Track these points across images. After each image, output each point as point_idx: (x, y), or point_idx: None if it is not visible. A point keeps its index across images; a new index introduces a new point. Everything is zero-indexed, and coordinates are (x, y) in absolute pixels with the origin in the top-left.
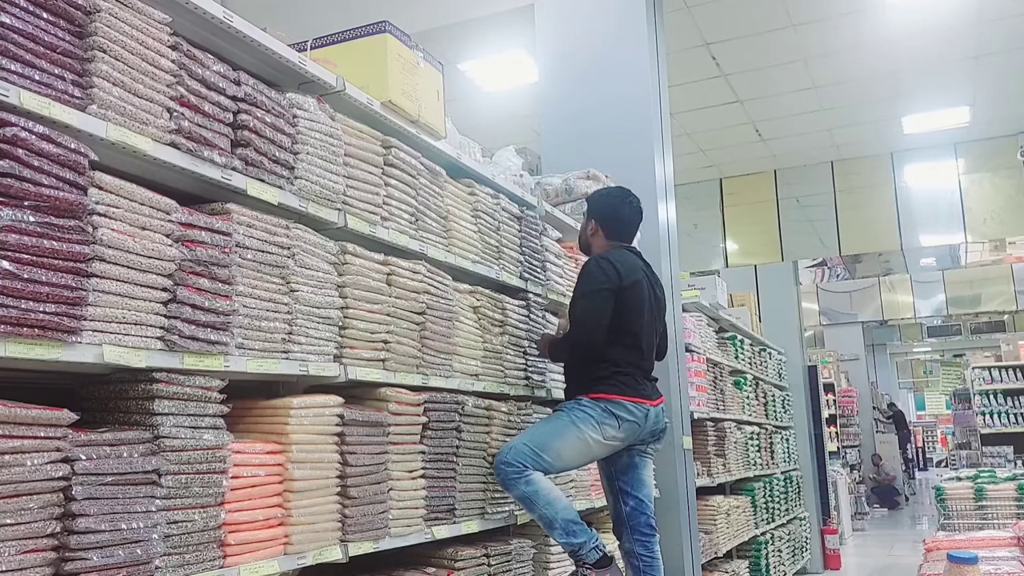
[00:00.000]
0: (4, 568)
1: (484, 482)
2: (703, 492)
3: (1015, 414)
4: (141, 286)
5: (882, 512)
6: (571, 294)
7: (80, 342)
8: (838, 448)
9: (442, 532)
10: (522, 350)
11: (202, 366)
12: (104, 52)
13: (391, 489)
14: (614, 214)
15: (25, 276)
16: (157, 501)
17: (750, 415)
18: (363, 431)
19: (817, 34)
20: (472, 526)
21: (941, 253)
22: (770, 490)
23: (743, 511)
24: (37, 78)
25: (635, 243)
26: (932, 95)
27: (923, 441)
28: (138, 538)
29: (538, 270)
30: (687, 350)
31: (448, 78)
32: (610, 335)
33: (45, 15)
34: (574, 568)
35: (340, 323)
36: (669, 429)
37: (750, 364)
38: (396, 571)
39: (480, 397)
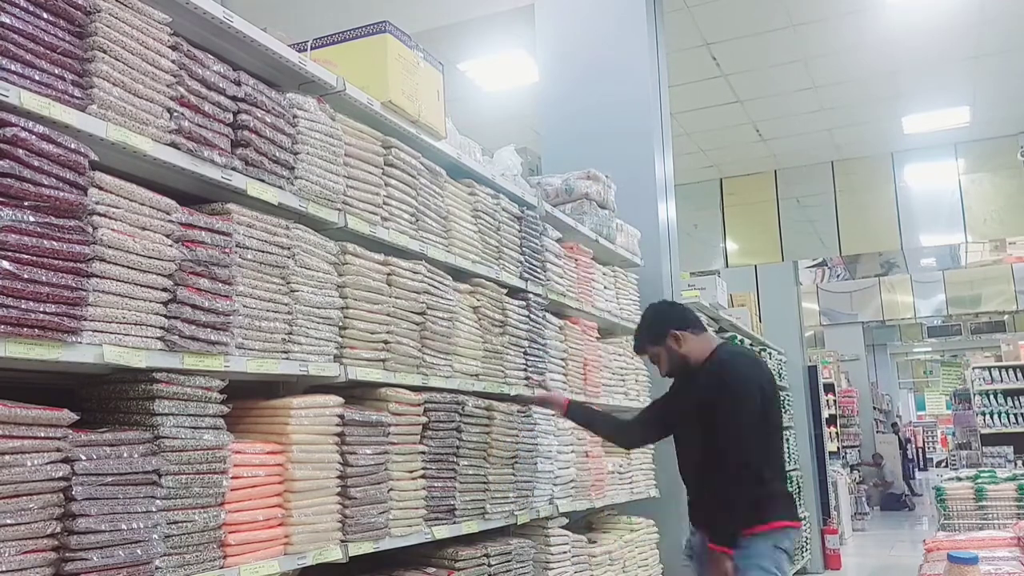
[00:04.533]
0: (4, 568)
1: (484, 482)
2: None
3: (1015, 414)
4: (141, 286)
5: (889, 512)
6: (570, 292)
7: (80, 342)
8: (838, 448)
9: (442, 532)
10: (522, 350)
11: (202, 366)
12: (104, 52)
13: (391, 489)
14: (677, 313)
15: (25, 276)
16: (157, 501)
17: None
18: (363, 431)
19: (817, 34)
20: (472, 526)
21: (941, 253)
22: None
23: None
24: (37, 78)
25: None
26: (932, 95)
27: (923, 441)
28: (138, 538)
29: (538, 270)
30: None
31: (448, 78)
32: (759, 449)
33: (45, 15)
34: None
35: (340, 323)
36: None
37: None
38: (396, 571)
39: (480, 397)
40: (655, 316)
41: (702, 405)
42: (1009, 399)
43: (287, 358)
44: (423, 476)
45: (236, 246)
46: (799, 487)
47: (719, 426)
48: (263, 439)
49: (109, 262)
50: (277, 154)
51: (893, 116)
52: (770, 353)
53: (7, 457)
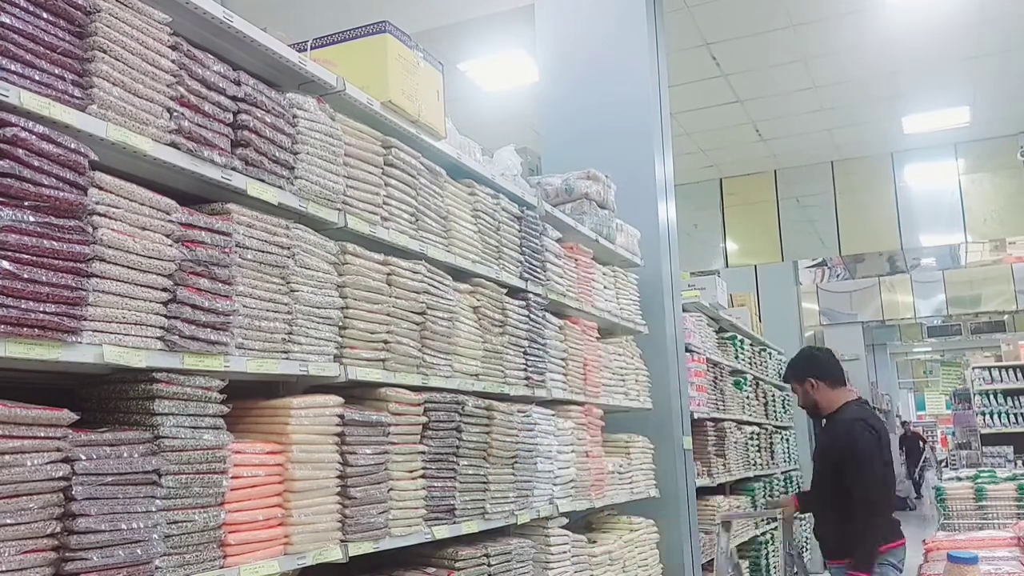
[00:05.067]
0: (4, 568)
1: (484, 482)
2: (703, 492)
3: (1015, 414)
4: (141, 286)
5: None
6: (570, 292)
7: (80, 342)
8: None
9: (442, 532)
10: (522, 350)
11: (202, 366)
12: (104, 52)
13: (391, 489)
14: (824, 364)
15: (25, 276)
16: (157, 501)
17: (750, 415)
18: (363, 431)
19: (817, 34)
20: (472, 526)
21: (941, 253)
22: (770, 490)
23: (743, 511)
24: (37, 78)
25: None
26: (932, 95)
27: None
28: (138, 538)
29: (538, 270)
30: (687, 350)
31: (448, 78)
32: (884, 493)
33: (45, 15)
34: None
35: (340, 323)
36: (669, 428)
37: (750, 364)
38: (396, 571)
39: (480, 397)
40: (804, 361)
41: (828, 455)
42: (1009, 399)
43: (287, 358)
44: (423, 476)
45: (236, 246)
46: (798, 487)
47: (848, 474)
48: (263, 439)
49: (109, 262)
50: (277, 154)
51: (893, 116)
52: (770, 353)
53: (7, 457)
